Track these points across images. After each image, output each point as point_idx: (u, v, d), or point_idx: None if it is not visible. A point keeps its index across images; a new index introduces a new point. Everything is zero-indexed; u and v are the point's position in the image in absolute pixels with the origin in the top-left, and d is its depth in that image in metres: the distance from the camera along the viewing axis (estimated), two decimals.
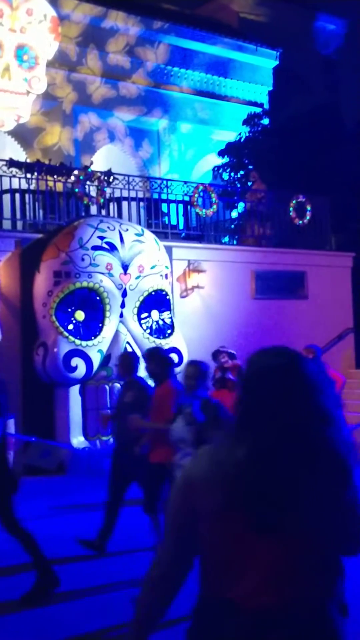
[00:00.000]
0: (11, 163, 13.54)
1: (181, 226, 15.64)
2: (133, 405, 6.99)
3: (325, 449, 2.00)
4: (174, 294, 13.62)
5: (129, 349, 12.01)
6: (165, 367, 6.89)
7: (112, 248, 11.99)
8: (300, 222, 16.48)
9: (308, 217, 16.57)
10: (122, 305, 12.15)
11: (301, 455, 1.99)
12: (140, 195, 14.78)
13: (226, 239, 16.63)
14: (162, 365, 6.90)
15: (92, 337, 11.78)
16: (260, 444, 1.98)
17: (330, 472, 2.01)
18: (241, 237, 16.21)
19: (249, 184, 18.64)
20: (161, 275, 12.66)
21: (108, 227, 12.15)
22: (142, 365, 7.41)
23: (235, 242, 15.41)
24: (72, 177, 13.69)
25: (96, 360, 11.74)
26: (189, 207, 15.42)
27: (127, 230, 12.36)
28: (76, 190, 13.40)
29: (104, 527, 7.14)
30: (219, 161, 21.44)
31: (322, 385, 2.00)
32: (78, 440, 11.73)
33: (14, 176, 13.31)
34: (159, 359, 6.97)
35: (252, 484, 1.99)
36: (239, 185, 19.07)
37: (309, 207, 16.55)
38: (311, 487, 2.00)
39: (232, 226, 16.49)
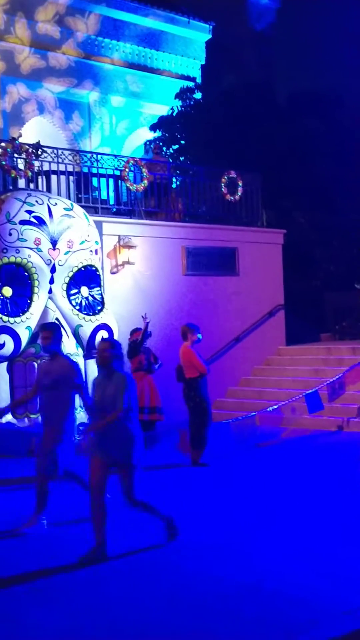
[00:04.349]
0: None
1: (112, 201, 15.40)
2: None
3: None
4: (104, 270, 13.45)
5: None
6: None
7: (40, 222, 11.74)
8: (232, 198, 16.42)
9: (239, 193, 16.51)
10: (51, 281, 11.94)
11: None
12: (70, 169, 14.48)
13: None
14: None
15: (20, 314, 11.55)
16: None
17: None
18: (170, 213, 16.02)
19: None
20: (91, 251, 12.47)
21: (36, 201, 11.88)
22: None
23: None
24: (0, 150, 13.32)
25: (24, 337, 11.53)
26: (119, 181, 15.19)
27: (56, 204, 12.11)
28: (3, 162, 13.04)
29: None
30: (151, 135, 21.22)
31: None
32: (5, 418, 11.52)
33: None
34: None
35: None
36: (170, 160, 18.90)
37: (240, 183, 16.48)
38: None
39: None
